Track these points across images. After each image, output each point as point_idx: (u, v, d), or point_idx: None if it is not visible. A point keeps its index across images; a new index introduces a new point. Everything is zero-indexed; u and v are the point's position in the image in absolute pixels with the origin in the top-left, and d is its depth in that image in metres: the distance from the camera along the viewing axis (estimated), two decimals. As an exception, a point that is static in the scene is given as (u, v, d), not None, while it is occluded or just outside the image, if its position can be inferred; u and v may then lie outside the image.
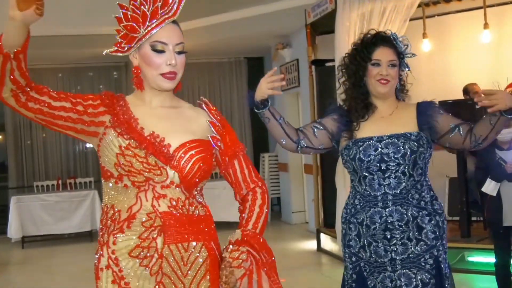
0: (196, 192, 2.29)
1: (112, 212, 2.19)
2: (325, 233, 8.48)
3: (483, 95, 2.88)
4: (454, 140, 3.04)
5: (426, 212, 2.99)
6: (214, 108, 2.38)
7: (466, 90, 8.00)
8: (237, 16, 10.32)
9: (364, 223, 3.06)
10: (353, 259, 3.19)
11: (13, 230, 10.13)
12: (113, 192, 2.23)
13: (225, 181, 2.62)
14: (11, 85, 2.06)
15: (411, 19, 7.64)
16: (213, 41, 11.33)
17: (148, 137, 2.19)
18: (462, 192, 7.30)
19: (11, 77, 2.05)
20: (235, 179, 2.36)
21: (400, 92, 3.24)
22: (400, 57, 3.20)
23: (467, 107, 7.39)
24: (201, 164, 2.21)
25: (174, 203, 2.19)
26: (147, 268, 2.16)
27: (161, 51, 2.20)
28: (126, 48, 2.25)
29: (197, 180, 2.24)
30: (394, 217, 2.92)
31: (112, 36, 8.95)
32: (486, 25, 8.20)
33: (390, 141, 2.90)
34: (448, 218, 8.22)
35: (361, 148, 2.94)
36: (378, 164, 2.98)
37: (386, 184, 2.97)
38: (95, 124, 2.19)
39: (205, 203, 2.34)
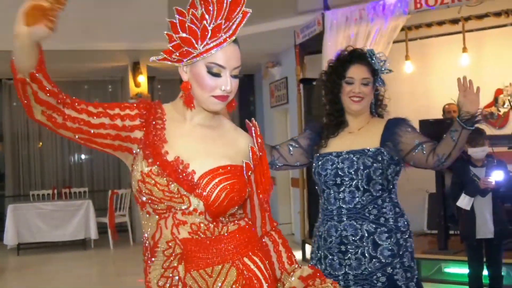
0: (225, 217, 2.08)
1: (144, 239, 2.09)
2: (310, 244, 8.52)
3: (463, 84, 2.95)
4: (417, 158, 2.93)
5: (385, 229, 2.92)
6: (260, 135, 2.19)
7: (444, 110, 8.08)
8: (237, 35, 10.60)
9: (323, 236, 3.05)
10: None
11: (9, 237, 10.17)
12: (142, 219, 2.10)
13: None
14: (40, 107, 1.89)
15: (394, 42, 7.68)
16: None
17: (172, 163, 1.99)
18: (440, 206, 7.35)
19: (36, 100, 1.89)
20: (254, 214, 2.20)
21: (377, 107, 3.20)
22: (375, 74, 3.15)
23: (446, 126, 7.49)
24: (229, 192, 1.99)
25: (195, 228, 2.01)
26: None
27: (217, 75, 1.97)
28: (176, 59, 2.00)
29: (223, 209, 2.03)
30: (348, 231, 2.87)
31: (108, 52, 9.14)
32: (464, 49, 8.33)
33: (347, 156, 2.87)
34: (427, 231, 8.38)
35: (320, 162, 2.94)
36: (334, 179, 2.95)
37: (341, 198, 2.93)
38: (130, 141, 2.03)
39: (241, 215, 2.17)
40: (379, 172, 2.88)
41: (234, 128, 2.19)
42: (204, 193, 1.95)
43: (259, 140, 2.15)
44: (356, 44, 7.39)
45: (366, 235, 2.81)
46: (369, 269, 2.79)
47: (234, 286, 2.00)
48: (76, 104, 1.94)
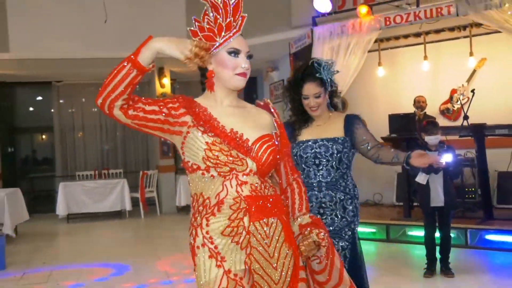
0: (267, 178, 2.18)
1: (202, 199, 2.10)
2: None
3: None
4: (362, 150, 3.12)
5: (349, 197, 3.11)
6: (277, 111, 2.28)
7: (415, 100, 8.17)
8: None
9: None
10: None
11: (61, 209, 10.26)
12: (200, 182, 2.10)
13: None
14: (124, 96, 2.01)
15: (369, 51, 7.84)
16: None
17: (229, 134, 2.08)
18: (405, 183, 7.49)
19: (129, 88, 2.02)
20: (280, 171, 2.26)
21: (332, 101, 3.23)
22: (325, 82, 3.14)
23: (410, 118, 7.68)
24: (273, 154, 2.13)
25: (253, 187, 2.09)
26: (237, 244, 2.07)
27: (236, 55, 2.09)
28: (203, 58, 2.10)
29: (270, 167, 2.16)
30: (326, 198, 3.04)
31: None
32: (425, 57, 8.48)
33: (323, 143, 3.02)
34: (395, 203, 8.55)
35: (301, 148, 3.05)
36: (313, 160, 3.10)
37: (320, 175, 3.08)
38: (179, 124, 2.07)
39: (272, 186, 2.21)
40: (346, 155, 3.09)
41: (253, 107, 2.26)
42: (258, 156, 2.05)
43: (277, 114, 2.23)
44: (339, 53, 7.60)
45: (338, 201, 3.01)
46: (340, 226, 3.00)
47: (281, 233, 2.09)
48: (134, 97, 2.04)
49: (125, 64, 1.97)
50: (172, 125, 2.04)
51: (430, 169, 5.30)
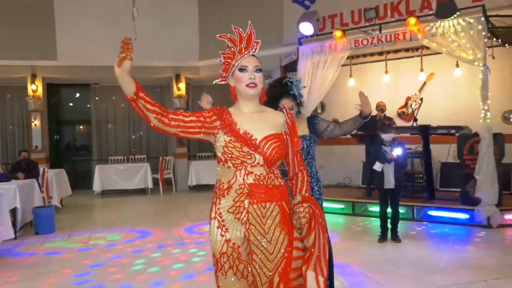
0: (274, 169, 2.16)
1: (220, 183, 2.15)
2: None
3: (363, 96, 3.14)
4: (329, 134, 3.20)
5: (314, 179, 3.22)
6: (290, 114, 2.27)
7: (377, 105, 8.09)
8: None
9: None
10: None
11: (97, 186, 10.38)
12: (221, 171, 2.16)
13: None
14: (152, 115, 2.06)
15: (342, 66, 7.93)
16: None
17: (243, 135, 2.11)
18: (367, 170, 7.62)
19: (147, 111, 2.05)
20: (289, 163, 2.24)
21: (299, 109, 3.26)
22: (296, 97, 3.19)
23: (373, 119, 7.59)
24: (277, 150, 2.12)
25: (257, 177, 2.10)
26: (239, 220, 2.10)
27: (244, 71, 2.12)
28: (226, 78, 2.21)
29: (275, 160, 2.13)
30: None
31: (159, 67, 9.48)
32: (386, 71, 8.66)
33: None
34: (361, 185, 8.78)
35: None
36: None
37: None
38: (212, 128, 2.12)
39: (281, 177, 2.20)
40: (312, 149, 3.26)
41: (272, 111, 2.27)
42: (263, 151, 2.08)
43: (290, 116, 2.22)
44: (318, 67, 7.66)
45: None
46: None
47: (277, 216, 2.09)
48: (174, 112, 2.11)
49: (130, 101, 2.08)
50: (207, 128, 2.11)
51: (384, 160, 5.48)
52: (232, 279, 2.07)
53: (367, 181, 7.80)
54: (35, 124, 10.83)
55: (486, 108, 6.21)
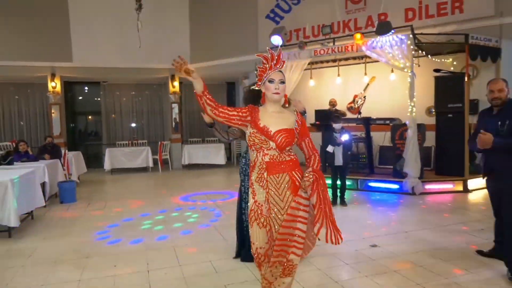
0: (285, 151, 2.27)
1: (251, 162, 2.34)
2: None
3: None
4: None
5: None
6: (300, 115, 2.36)
7: (330, 101, 8.46)
8: (224, 62, 10.41)
9: None
10: None
11: (107, 165, 10.29)
12: (250, 154, 2.34)
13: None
14: (209, 107, 2.22)
15: (305, 70, 8.13)
16: (211, 73, 11.07)
17: (262, 128, 2.25)
18: (322, 151, 7.78)
19: (207, 104, 2.22)
20: (303, 148, 2.34)
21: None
22: None
23: (326, 112, 8.02)
24: (285, 139, 2.23)
25: (271, 157, 2.25)
26: (262, 187, 2.26)
27: (272, 83, 2.26)
28: (260, 85, 2.34)
29: (284, 146, 2.24)
30: None
31: (157, 69, 9.60)
32: (339, 74, 8.78)
33: None
34: None
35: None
36: None
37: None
38: (245, 121, 2.27)
39: (292, 154, 2.30)
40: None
41: (289, 112, 2.35)
42: (276, 140, 2.23)
43: (300, 117, 2.33)
44: (285, 70, 7.65)
45: None
46: None
47: (288, 182, 2.24)
48: (221, 106, 2.26)
49: (196, 97, 2.24)
50: (243, 121, 2.28)
51: (335, 143, 5.71)
52: (256, 227, 2.26)
53: (322, 160, 7.95)
54: (55, 115, 10.79)
55: (412, 104, 6.53)
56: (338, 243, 2.19)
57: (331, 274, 3.33)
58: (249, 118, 2.26)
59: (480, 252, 3.61)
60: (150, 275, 3.43)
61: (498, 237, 3.40)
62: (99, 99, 12.36)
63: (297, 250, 2.20)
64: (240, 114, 2.27)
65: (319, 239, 2.20)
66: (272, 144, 2.23)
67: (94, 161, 11.94)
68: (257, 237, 2.26)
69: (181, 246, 4.20)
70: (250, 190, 2.31)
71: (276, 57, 2.29)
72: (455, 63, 7.57)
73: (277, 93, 2.26)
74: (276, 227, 2.22)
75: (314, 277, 3.22)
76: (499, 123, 3.03)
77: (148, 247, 4.22)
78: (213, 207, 6.14)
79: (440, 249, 3.88)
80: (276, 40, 8.01)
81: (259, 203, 2.26)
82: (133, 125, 12.59)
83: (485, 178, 3.32)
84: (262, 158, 2.25)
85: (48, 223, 5.45)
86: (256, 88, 2.36)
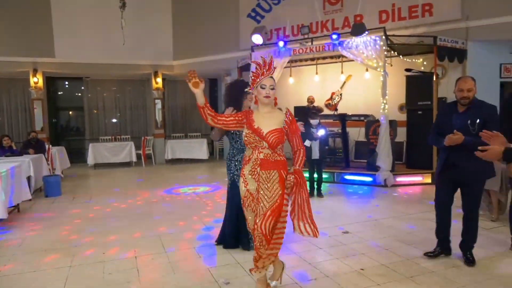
0: (276, 150, 2.51)
1: (245, 157, 2.59)
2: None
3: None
4: None
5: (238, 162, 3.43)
6: (289, 113, 2.57)
7: (308, 98, 8.68)
8: (206, 59, 10.54)
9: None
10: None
11: (90, 160, 10.34)
12: (247, 150, 2.58)
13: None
14: (209, 117, 2.49)
15: (284, 68, 8.33)
16: (196, 69, 11.02)
17: (256, 129, 2.48)
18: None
19: (208, 115, 2.49)
20: (292, 143, 2.55)
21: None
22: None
23: (305, 108, 8.27)
24: (276, 139, 2.47)
25: (265, 155, 2.50)
26: (254, 178, 2.52)
27: (263, 88, 2.49)
28: (252, 88, 2.55)
29: (275, 145, 2.48)
30: None
31: (141, 65, 9.78)
32: (317, 72, 9.07)
33: None
34: None
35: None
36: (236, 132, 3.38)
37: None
38: (242, 124, 2.53)
39: (282, 154, 2.55)
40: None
41: (279, 112, 2.58)
42: (268, 140, 2.48)
43: (289, 115, 2.55)
44: None
45: None
46: None
47: (277, 178, 2.50)
48: (219, 115, 2.55)
49: (198, 108, 2.51)
50: (240, 124, 2.55)
51: (312, 138, 5.90)
52: (248, 211, 2.59)
53: (302, 155, 8.31)
54: (37, 110, 10.69)
55: (384, 101, 6.85)
56: (316, 236, 2.53)
57: (305, 257, 3.60)
58: (244, 120, 2.52)
59: (428, 254, 3.48)
60: (138, 260, 3.63)
61: (441, 235, 3.42)
62: (81, 94, 12.29)
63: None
64: (237, 118, 2.53)
65: (302, 234, 2.56)
66: (265, 144, 2.47)
67: (76, 156, 11.88)
68: (249, 218, 2.61)
69: (166, 234, 4.39)
70: (241, 179, 2.57)
71: (268, 64, 2.52)
72: (425, 63, 7.94)
73: (268, 97, 2.49)
74: (261, 212, 2.49)
75: (291, 260, 3.48)
76: (469, 122, 3.03)
77: (135, 236, 4.40)
78: (197, 199, 6.34)
79: (405, 235, 4.21)
80: (257, 39, 8.21)
81: (251, 192, 2.54)
82: (115, 120, 12.55)
83: (439, 172, 3.29)
84: (257, 155, 2.50)
85: (35, 215, 5.52)
86: (249, 90, 2.59)
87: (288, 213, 2.58)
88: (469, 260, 3.30)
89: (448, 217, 3.39)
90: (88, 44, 10.51)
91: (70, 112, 12.94)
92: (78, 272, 3.40)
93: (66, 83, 12.63)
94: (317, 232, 2.56)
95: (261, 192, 2.49)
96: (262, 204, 2.50)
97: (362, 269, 3.29)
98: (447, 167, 3.21)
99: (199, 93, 2.47)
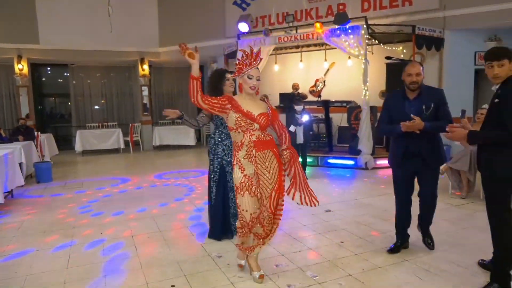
0: (265, 131, 2.60)
1: (236, 142, 2.61)
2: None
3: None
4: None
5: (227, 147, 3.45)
6: (268, 101, 2.66)
7: (293, 85, 8.77)
8: (192, 46, 10.88)
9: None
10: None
11: (78, 147, 10.36)
12: (234, 135, 2.60)
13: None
14: (199, 93, 2.47)
15: (270, 55, 8.46)
16: (180, 57, 10.89)
17: (246, 112, 2.52)
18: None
19: (197, 90, 2.46)
20: (275, 128, 2.67)
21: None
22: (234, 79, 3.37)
23: (290, 94, 8.45)
24: (266, 121, 2.56)
25: (257, 136, 2.56)
26: (251, 162, 2.56)
27: (250, 79, 2.54)
28: (237, 76, 2.59)
29: (265, 126, 2.57)
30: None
31: (128, 52, 9.88)
32: (301, 60, 9.22)
33: None
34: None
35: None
36: (220, 120, 3.43)
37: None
38: (225, 108, 2.54)
39: (269, 134, 2.63)
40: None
41: (259, 99, 2.67)
42: (259, 122, 2.55)
43: (268, 103, 2.65)
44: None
45: None
46: None
47: (272, 157, 2.60)
48: (206, 97, 2.54)
49: (191, 80, 2.47)
50: (223, 108, 2.57)
51: (296, 123, 6.09)
52: (247, 196, 2.58)
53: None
54: (22, 97, 10.63)
55: (365, 88, 7.12)
56: (315, 205, 2.65)
57: (290, 233, 3.91)
58: (228, 106, 2.55)
59: (391, 251, 3.33)
60: (135, 239, 3.88)
61: (401, 228, 3.31)
62: (67, 81, 12.21)
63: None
64: (221, 102, 2.55)
65: (297, 204, 2.66)
66: (256, 125, 2.54)
67: (63, 143, 11.88)
68: (250, 205, 2.60)
69: (159, 216, 4.64)
70: (237, 166, 2.57)
71: (256, 55, 2.57)
72: (404, 51, 8.23)
73: (253, 88, 2.56)
74: (266, 194, 2.57)
75: (277, 236, 3.78)
76: (424, 107, 2.94)
77: (130, 217, 4.63)
78: (186, 183, 6.58)
79: (381, 212, 4.56)
80: (243, 27, 8.33)
81: (248, 176, 2.56)
82: (101, 107, 12.49)
83: (393, 163, 3.19)
84: (249, 138, 2.53)
85: (29, 200, 5.66)
86: (234, 77, 2.63)
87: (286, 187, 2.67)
88: (429, 246, 3.31)
89: (409, 210, 3.28)
90: (73, 30, 10.45)
91: (56, 99, 12.87)
92: (79, 250, 3.62)
93: (51, 69, 12.50)
94: (316, 200, 2.66)
95: (261, 174, 2.54)
96: (265, 186, 2.57)
97: (341, 242, 3.62)
98: (407, 157, 3.06)
99: (196, 63, 2.47)
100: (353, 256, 3.30)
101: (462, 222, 4.11)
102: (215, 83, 3.48)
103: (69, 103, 12.17)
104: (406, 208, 3.27)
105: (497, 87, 2.53)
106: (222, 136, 3.49)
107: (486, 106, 4.52)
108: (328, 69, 9.32)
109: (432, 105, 2.94)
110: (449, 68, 7.94)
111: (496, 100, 2.47)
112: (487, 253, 2.84)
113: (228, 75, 3.44)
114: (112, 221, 4.51)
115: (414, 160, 3.06)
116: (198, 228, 4.14)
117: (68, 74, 12.14)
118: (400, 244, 3.33)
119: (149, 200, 5.46)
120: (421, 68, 3.02)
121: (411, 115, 2.91)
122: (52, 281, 2.99)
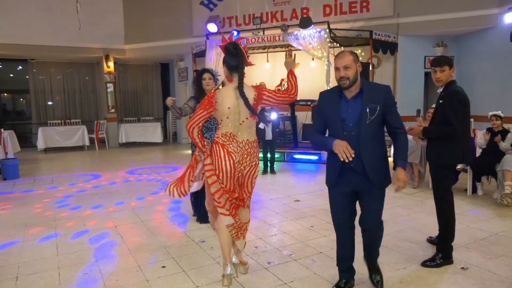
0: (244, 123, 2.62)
1: (225, 134, 2.61)
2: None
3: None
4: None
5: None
6: (259, 87, 2.65)
7: (281, 81, 8.80)
8: (158, 44, 10.69)
9: None
10: None
11: (41, 144, 10.16)
12: (221, 128, 2.63)
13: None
14: (196, 128, 2.59)
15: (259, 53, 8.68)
16: (145, 54, 11.31)
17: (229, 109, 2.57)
18: (256, 128, 8.76)
19: (198, 134, 2.62)
20: (273, 100, 2.66)
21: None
22: (214, 76, 3.57)
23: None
24: (255, 105, 2.61)
25: (241, 125, 2.61)
26: (239, 150, 2.60)
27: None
28: (248, 64, 2.66)
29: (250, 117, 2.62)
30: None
31: (92, 48, 9.99)
32: (268, 60, 9.39)
33: None
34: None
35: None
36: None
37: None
38: (213, 110, 2.58)
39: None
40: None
41: (248, 86, 2.65)
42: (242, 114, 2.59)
43: (258, 90, 2.62)
44: (221, 55, 7.77)
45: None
46: None
47: (254, 143, 2.69)
48: (192, 118, 2.61)
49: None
50: (210, 113, 2.62)
51: (265, 121, 6.42)
52: (229, 184, 2.61)
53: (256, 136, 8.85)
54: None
55: (328, 88, 7.55)
56: (179, 197, 2.94)
57: (265, 219, 4.30)
58: (211, 108, 2.58)
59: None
60: (119, 229, 4.09)
61: (345, 263, 2.63)
62: (27, 77, 11.87)
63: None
64: (207, 109, 2.59)
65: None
66: (242, 117, 2.58)
67: (23, 140, 11.43)
68: (219, 192, 2.64)
69: (138, 208, 4.85)
70: (223, 153, 2.55)
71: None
72: (363, 54, 8.84)
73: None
74: (251, 180, 2.71)
75: (253, 222, 4.14)
76: (368, 110, 2.28)
77: (110, 210, 4.79)
78: (159, 178, 6.78)
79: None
80: (212, 27, 8.60)
81: (235, 165, 2.58)
82: (63, 104, 12.25)
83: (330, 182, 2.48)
84: (237, 128, 2.58)
85: (1, 197, 5.62)
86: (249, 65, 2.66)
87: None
88: (377, 285, 2.64)
89: (353, 238, 2.58)
90: (33, 25, 10.18)
91: (15, 96, 12.49)
92: (65, 240, 3.79)
93: (10, 65, 12.10)
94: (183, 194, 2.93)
95: (246, 161, 2.59)
96: (248, 173, 2.65)
97: (312, 226, 4.05)
98: (343, 174, 2.39)
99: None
100: (322, 237, 3.73)
101: (413, 207, 4.69)
102: (197, 82, 3.74)
103: (24, 100, 11.92)
104: (348, 236, 2.56)
105: (441, 89, 3.07)
106: (203, 130, 3.61)
107: (434, 106, 5.15)
108: (293, 70, 9.66)
109: (378, 107, 2.28)
110: (402, 70, 8.68)
111: (440, 101, 3.01)
112: (434, 232, 3.40)
113: (205, 75, 3.58)
114: (92, 214, 4.66)
115: (353, 177, 2.38)
116: (179, 218, 4.41)
117: (27, 70, 11.77)
118: (345, 285, 2.62)
119: (125, 194, 5.61)
120: (353, 58, 2.32)
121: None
122: (46, 267, 3.17)
